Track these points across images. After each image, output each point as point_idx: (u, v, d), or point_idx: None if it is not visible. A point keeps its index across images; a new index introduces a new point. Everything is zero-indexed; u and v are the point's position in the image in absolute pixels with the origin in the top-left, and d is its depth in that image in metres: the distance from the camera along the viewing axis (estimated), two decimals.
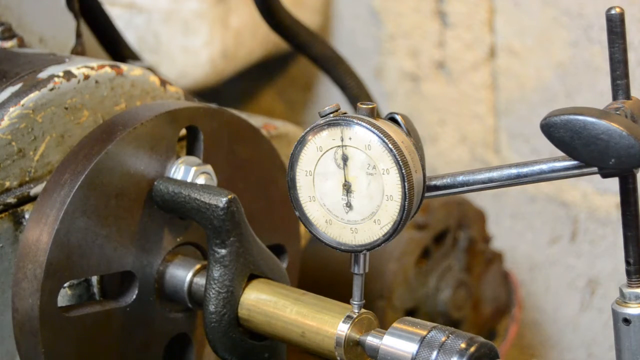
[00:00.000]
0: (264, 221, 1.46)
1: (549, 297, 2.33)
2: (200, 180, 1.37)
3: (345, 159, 1.18)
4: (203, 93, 2.29)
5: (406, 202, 1.16)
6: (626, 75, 1.15)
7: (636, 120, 1.14)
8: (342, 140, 1.18)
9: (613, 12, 1.13)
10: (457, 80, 2.36)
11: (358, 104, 1.19)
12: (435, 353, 1.17)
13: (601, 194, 2.21)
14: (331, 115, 1.18)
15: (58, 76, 1.35)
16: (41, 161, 1.35)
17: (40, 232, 1.27)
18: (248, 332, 1.35)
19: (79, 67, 1.37)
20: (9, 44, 1.47)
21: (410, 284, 1.94)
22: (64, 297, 1.34)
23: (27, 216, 1.33)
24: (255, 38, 2.40)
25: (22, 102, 1.32)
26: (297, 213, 1.22)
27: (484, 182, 1.20)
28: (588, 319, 2.29)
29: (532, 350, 2.37)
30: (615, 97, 1.16)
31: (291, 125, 1.78)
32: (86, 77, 1.37)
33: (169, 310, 1.39)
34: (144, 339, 1.38)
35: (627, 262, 1.16)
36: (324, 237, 1.21)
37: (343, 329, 1.25)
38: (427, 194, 1.21)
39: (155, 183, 1.35)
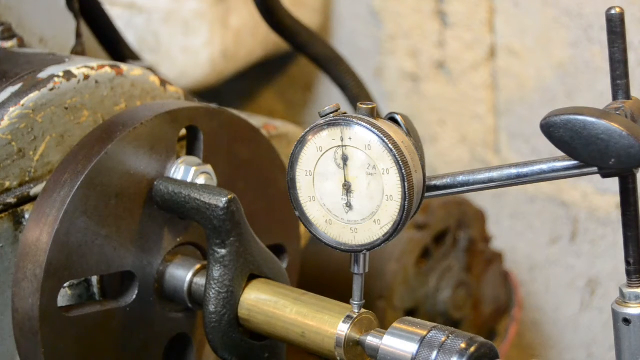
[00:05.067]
0: (264, 221, 1.46)
1: (549, 297, 2.33)
2: (200, 180, 1.37)
3: (345, 159, 1.18)
4: (203, 93, 2.29)
5: (406, 202, 1.16)
6: (626, 75, 1.15)
7: (636, 120, 1.14)
8: (342, 140, 1.18)
9: (613, 12, 1.13)
10: (457, 80, 2.36)
11: (358, 104, 1.19)
12: (435, 353, 1.17)
13: (601, 194, 2.21)
14: (331, 115, 1.18)
15: (58, 76, 1.35)
16: (41, 161, 1.35)
17: (40, 232, 1.27)
18: (248, 332, 1.35)
19: (79, 67, 1.37)
20: (9, 44, 1.47)
21: (410, 284, 1.94)
22: (64, 297, 1.34)
23: (27, 216, 1.33)
24: (255, 38, 2.40)
25: (22, 102, 1.32)
26: (297, 213, 1.22)
27: (484, 182, 1.20)
28: (588, 319, 2.29)
29: (532, 350, 2.37)
30: (615, 97, 1.16)
31: (291, 125, 1.78)
32: (86, 77, 1.37)
33: (169, 310, 1.39)
34: (144, 339, 1.38)
35: (627, 262, 1.16)
36: (324, 237, 1.21)
37: (343, 329, 1.25)
38: (427, 194, 1.21)
39: (155, 183, 1.35)
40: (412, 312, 1.95)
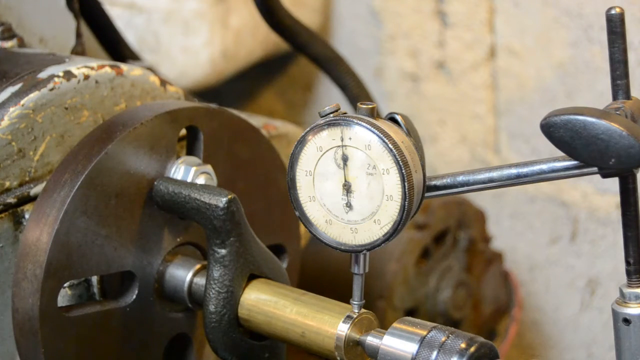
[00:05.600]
0: (264, 221, 1.46)
1: (549, 297, 2.33)
2: (200, 180, 1.37)
3: (345, 159, 1.18)
4: (203, 93, 2.29)
5: (406, 202, 1.16)
6: (626, 75, 1.15)
7: (636, 120, 1.14)
8: (342, 140, 1.18)
9: (613, 12, 1.13)
10: (457, 80, 2.36)
11: (358, 104, 1.19)
12: (435, 353, 1.17)
13: (601, 194, 2.21)
14: (331, 115, 1.18)
15: (58, 76, 1.35)
16: (41, 161, 1.35)
17: (40, 232, 1.27)
18: (248, 332, 1.35)
19: (79, 67, 1.37)
20: (9, 44, 1.47)
21: (410, 284, 1.94)
22: (64, 297, 1.34)
23: (27, 216, 1.33)
24: (255, 38, 2.40)
25: (22, 102, 1.32)
26: (297, 213, 1.22)
27: (484, 182, 1.20)
28: (588, 319, 2.29)
29: (532, 350, 2.37)
30: (615, 97, 1.16)
31: (291, 125, 1.78)
32: (86, 77, 1.37)
33: (169, 310, 1.39)
34: (144, 339, 1.38)
35: (627, 262, 1.16)
36: (324, 237, 1.21)
37: (343, 329, 1.25)
38: (427, 194, 1.21)
39: (155, 183, 1.35)
40: (412, 312, 1.95)
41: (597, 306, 2.27)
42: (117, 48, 1.89)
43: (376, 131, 1.16)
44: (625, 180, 1.15)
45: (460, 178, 1.21)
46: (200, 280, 1.36)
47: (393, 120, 1.20)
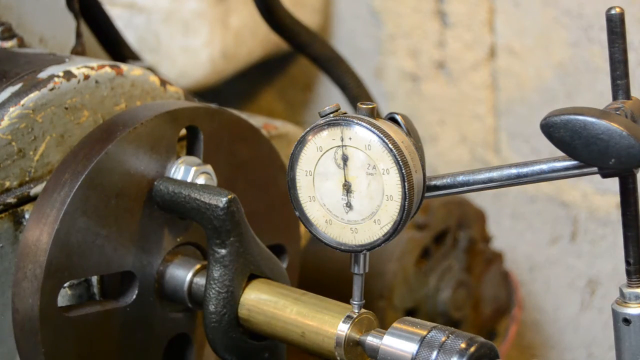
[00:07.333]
0: (264, 221, 1.46)
1: (549, 297, 2.33)
2: (200, 180, 1.37)
3: (345, 159, 1.18)
4: (203, 93, 2.29)
5: (406, 202, 1.16)
6: (626, 75, 1.15)
7: (636, 120, 1.14)
8: (342, 140, 1.18)
9: (613, 12, 1.13)
10: (457, 80, 2.36)
11: (358, 104, 1.19)
12: (435, 353, 1.17)
13: (601, 194, 2.21)
14: (331, 115, 1.18)
15: (58, 76, 1.35)
16: (41, 161, 1.35)
17: (40, 232, 1.27)
18: (248, 332, 1.35)
19: (79, 67, 1.37)
20: (9, 44, 1.47)
21: (410, 284, 1.94)
22: (64, 297, 1.34)
23: (27, 216, 1.33)
24: (255, 38, 2.40)
25: (22, 102, 1.32)
26: (297, 213, 1.22)
27: (484, 182, 1.20)
28: (588, 319, 2.29)
29: (532, 350, 2.37)
30: (615, 97, 1.16)
31: (291, 125, 1.78)
32: (86, 77, 1.37)
33: (169, 310, 1.39)
34: (144, 339, 1.38)
35: (627, 262, 1.16)
36: (324, 237, 1.21)
37: (343, 329, 1.25)
38: (427, 194, 1.21)
39: (155, 183, 1.35)
40: (412, 312, 1.95)
41: (597, 306, 2.27)
42: (117, 48, 1.89)
43: (376, 131, 1.16)
44: (625, 180, 1.15)
45: (460, 178, 1.21)
46: (200, 280, 1.36)
47: (393, 120, 1.20)
